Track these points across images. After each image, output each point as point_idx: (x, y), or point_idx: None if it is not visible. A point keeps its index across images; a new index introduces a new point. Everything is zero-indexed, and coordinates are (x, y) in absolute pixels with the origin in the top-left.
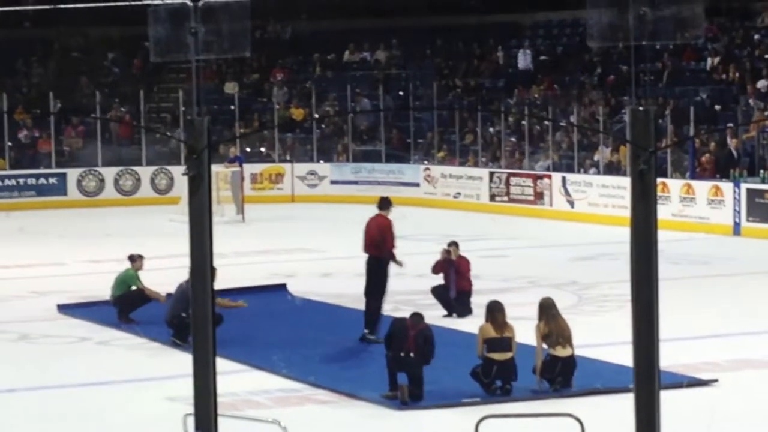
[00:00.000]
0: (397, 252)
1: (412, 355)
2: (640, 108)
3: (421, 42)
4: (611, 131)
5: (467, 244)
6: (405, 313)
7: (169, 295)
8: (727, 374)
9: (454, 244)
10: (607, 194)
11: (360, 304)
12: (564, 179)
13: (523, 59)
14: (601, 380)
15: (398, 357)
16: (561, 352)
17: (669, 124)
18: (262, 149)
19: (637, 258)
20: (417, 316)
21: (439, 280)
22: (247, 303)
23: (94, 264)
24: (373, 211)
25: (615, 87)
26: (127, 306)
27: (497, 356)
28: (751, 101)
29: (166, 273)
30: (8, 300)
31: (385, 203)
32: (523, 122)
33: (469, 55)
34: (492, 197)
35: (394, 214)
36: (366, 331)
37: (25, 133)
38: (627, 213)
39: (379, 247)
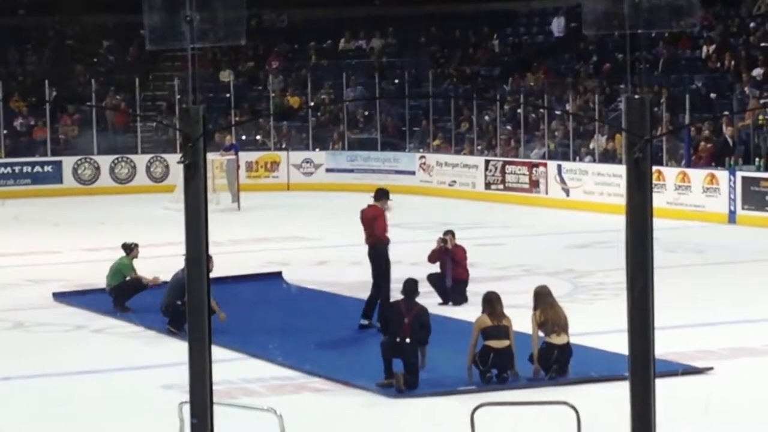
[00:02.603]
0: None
1: (408, 340)
2: (636, 96)
3: (416, 30)
4: (606, 119)
5: (463, 232)
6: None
7: (164, 282)
8: (722, 362)
9: (450, 233)
10: (603, 182)
11: (356, 292)
12: (559, 167)
13: (557, 26)
14: (597, 368)
15: (393, 342)
16: (557, 339)
17: (664, 113)
18: (258, 137)
19: (633, 246)
20: (410, 298)
21: (435, 268)
22: (225, 318)
23: (90, 252)
24: (368, 200)
25: (610, 75)
26: (122, 294)
27: (494, 344)
28: (746, 89)
29: (161, 261)
30: (4, 288)
31: (379, 194)
32: (519, 110)
33: (464, 43)
34: (487, 185)
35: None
36: (362, 320)
37: (20, 121)
38: (622, 201)
39: (373, 237)
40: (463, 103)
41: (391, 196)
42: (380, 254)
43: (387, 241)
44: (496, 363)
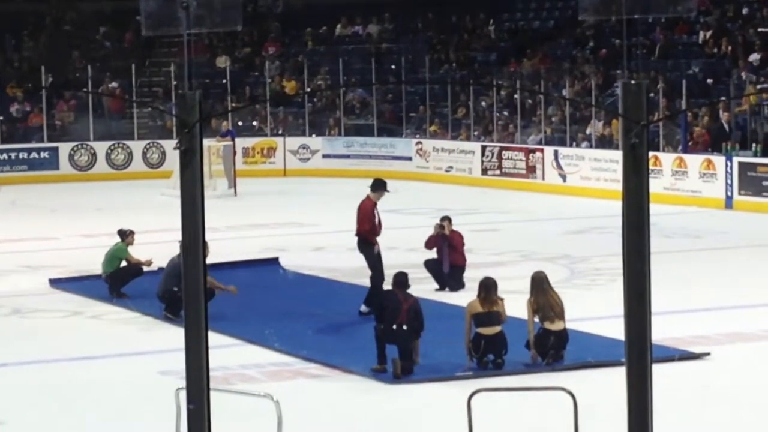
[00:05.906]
0: (384, 233)
1: (404, 327)
2: (632, 81)
3: (412, 15)
4: (603, 105)
5: (459, 218)
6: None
7: (160, 268)
8: (719, 347)
9: (447, 218)
10: (599, 168)
11: (353, 278)
12: (556, 153)
13: None
14: (593, 354)
15: (390, 329)
16: (553, 325)
17: (661, 98)
18: (254, 123)
19: (629, 231)
20: (404, 287)
21: (432, 254)
22: (236, 290)
23: (86, 238)
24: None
25: (607, 60)
26: (118, 281)
27: (486, 331)
28: (743, 75)
29: (157, 247)
30: (0, 274)
31: (373, 185)
32: (516, 96)
33: (461, 28)
34: (484, 171)
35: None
36: (363, 307)
37: (16, 107)
38: (619, 186)
39: (359, 230)
40: (460, 89)
41: (388, 186)
42: (368, 246)
43: (373, 242)
44: (489, 350)
